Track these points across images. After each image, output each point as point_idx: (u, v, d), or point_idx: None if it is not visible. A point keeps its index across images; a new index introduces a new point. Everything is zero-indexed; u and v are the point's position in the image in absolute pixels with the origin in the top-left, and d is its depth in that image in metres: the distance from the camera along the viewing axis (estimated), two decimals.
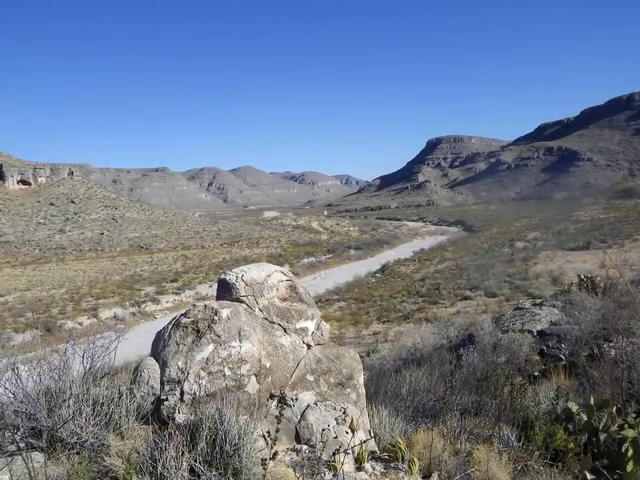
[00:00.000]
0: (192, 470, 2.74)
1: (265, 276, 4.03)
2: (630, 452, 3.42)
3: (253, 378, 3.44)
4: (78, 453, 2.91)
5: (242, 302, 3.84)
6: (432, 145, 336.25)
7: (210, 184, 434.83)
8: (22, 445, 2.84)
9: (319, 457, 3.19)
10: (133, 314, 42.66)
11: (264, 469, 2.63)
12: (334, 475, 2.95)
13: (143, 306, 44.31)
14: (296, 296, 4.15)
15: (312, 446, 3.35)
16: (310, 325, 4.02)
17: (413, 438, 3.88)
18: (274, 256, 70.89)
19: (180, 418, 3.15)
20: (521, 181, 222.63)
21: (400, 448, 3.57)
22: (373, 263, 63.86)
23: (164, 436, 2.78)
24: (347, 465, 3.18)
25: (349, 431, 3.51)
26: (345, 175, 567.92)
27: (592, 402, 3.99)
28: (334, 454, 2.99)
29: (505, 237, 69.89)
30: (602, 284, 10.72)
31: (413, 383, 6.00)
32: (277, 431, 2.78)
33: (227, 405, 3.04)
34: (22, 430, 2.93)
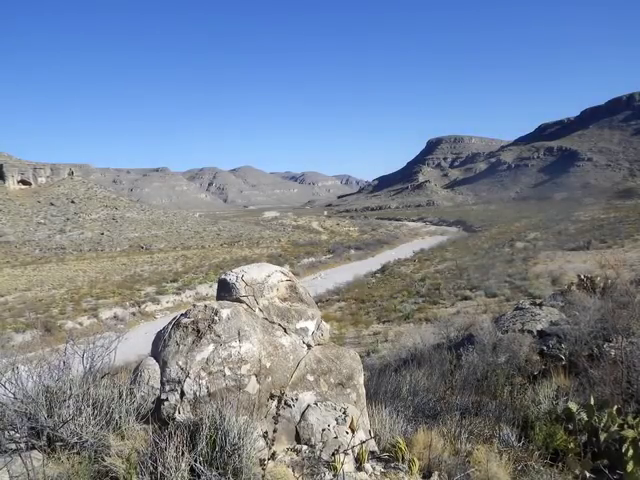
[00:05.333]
0: (192, 470, 2.74)
1: (265, 276, 4.03)
2: (630, 452, 3.42)
3: (253, 378, 3.44)
4: (78, 453, 2.91)
5: (242, 302, 3.84)
6: (432, 145, 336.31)
7: (210, 184, 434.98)
8: (22, 445, 2.84)
9: (319, 457, 3.19)
10: (133, 314, 42.65)
11: (263, 469, 2.63)
12: (334, 475, 2.95)
13: (143, 306, 44.30)
14: (296, 296, 4.15)
15: (312, 446, 3.35)
16: (310, 325, 4.02)
17: (413, 438, 3.88)
18: (274, 256, 70.85)
19: (180, 418, 3.15)
20: (521, 181, 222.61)
21: (400, 448, 3.57)
22: (373, 263, 63.84)
23: (164, 436, 2.78)
24: (347, 465, 3.18)
25: (349, 431, 3.51)
26: (345, 175, 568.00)
27: (592, 402, 3.99)
28: (334, 454, 2.99)
29: (505, 237, 69.86)
30: (602, 284, 10.71)
31: (413, 383, 6.00)
32: (275, 431, 2.78)
33: (227, 405, 3.04)
34: (22, 430, 2.93)
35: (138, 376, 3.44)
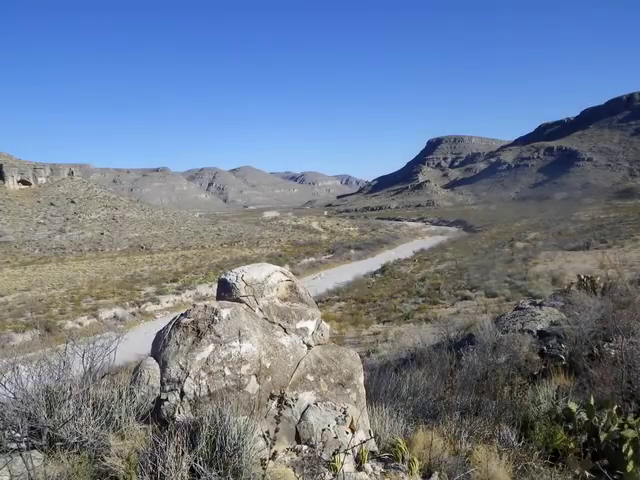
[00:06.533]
0: (192, 470, 2.74)
1: (265, 276, 4.03)
2: (630, 452, 3.42)
3: (253, 378, 3.44)
4: (78, 453, 2.91)
5: (242, 302, 3.84)
6: (432, 145, 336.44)
7: (210, 184, 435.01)
8: (22, 445, 2.84)
9: (319, 457, 3.19)
10: (133, 314, 42.65)
11: (263, 469, 2.63)
12: (334, 475, 2.95)
13: (143, 306, 44.30)
14: (296, 296, 4.15)
15: (312, 446, 3.35)
16: (310, 325, 4.02)
17: (413, 438, 3.88)
18: (274, 256, 70.87)
19: (180, 418, 3.15)
20: (521, 181, 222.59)
21: (400, 448, 3.57)
22: (373, 263, 63.85)
23: (164, 436, 2.77)
24: (347, 465, 3.18)
25: (349, 431, 3.51)
26: (345, 175, 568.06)
27: (592, 402, 3.99)
28: (334, 454, 2.99)
29: (505, 237, 69.88)
30: (602, 284, 10.71)
31: (413, 383, 6.00)
32: (277, 431, 2.78)
33: (227, 405, 3.04)
34: (22, 430, 2.93)
35: (138, 376, 3.44)
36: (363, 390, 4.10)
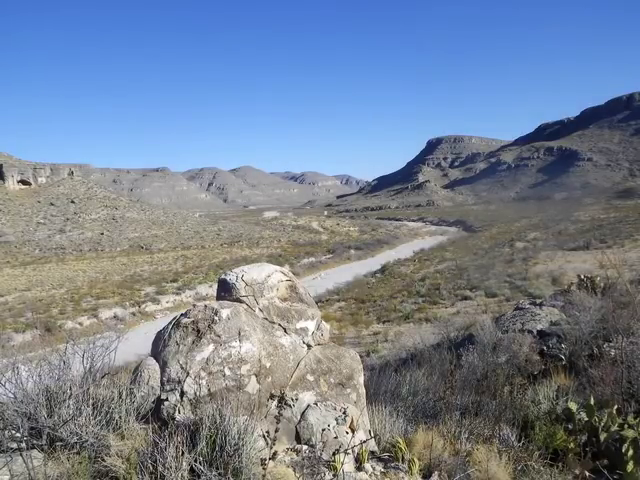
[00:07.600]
0: (192, 470, 2.74)
1: (265, 276, 4.03)
2: (630, 452, 3.42)
3: (253, 378, 3.44)
4: (78, 453, 2.91)
5: (242, 302, 3.84)
6: (432, 145, 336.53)
7: (210, 184, 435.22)
8: (22, 445, 2.84)
9: (319, 457, 3.19)
10: (133, 314, 42.65)
11: (264, 469, 2.63)
12: (334, 475, 2.95)
13: (143, 306, 44.31)
14: (296, 296, 4.15)
15: (312, 446, 3.35)
16: (310, 325, 4.02)
17: (413, 438, 3.88)
18: (274, 256, 70.89)
19: (180, 418, 3.15)
20: (521, 181, 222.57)
21: (400, 448, 3.57)
22: (373, 263, 63.87)
23: (164, 436, 2.77)
24: (347, 465, 3.18)
25: (349, 431, 3.51)
26: (345, 175, 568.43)
27: (592, 402, 3.99)
28: (334, 454, 2.99)
29: (505, 237, 69.89)
30: (602, 284, 10.70)
31: (413, 383, 6.01)
32: (277, 431, 2.78)
33: (227, 405, 3.04)
34: (22, 430, 2.93)
35: (138, 376, 3.44)
36: (363, 390, 4.10)
